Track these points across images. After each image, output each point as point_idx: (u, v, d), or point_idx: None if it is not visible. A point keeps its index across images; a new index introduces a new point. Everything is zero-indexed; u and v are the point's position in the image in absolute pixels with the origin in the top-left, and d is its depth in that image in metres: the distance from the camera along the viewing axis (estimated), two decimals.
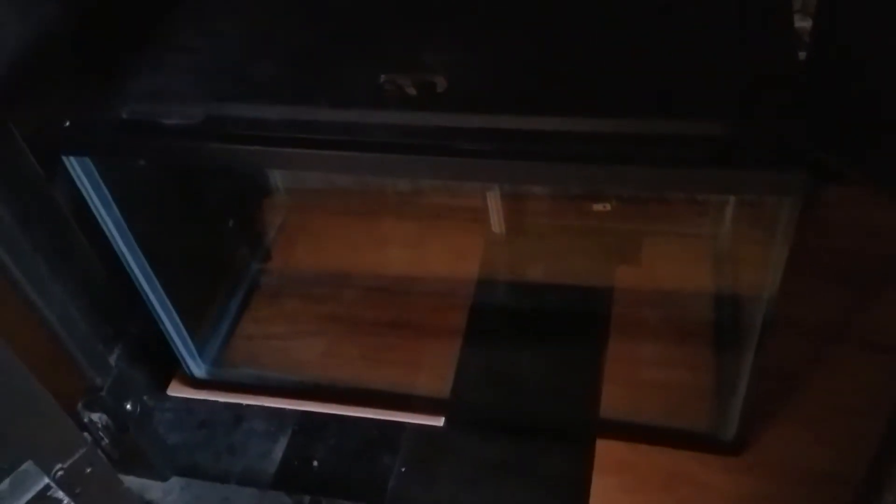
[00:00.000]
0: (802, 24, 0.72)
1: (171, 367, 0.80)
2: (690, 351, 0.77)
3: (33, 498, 0.41)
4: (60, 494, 0.42)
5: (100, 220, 0.64)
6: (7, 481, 0.40)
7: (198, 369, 0.79)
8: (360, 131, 0.55)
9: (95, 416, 0.67)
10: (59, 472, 0.42)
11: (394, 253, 0.91)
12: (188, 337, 0.76)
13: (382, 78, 0.56)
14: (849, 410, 0.70)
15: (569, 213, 0.90)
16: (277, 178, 0.93)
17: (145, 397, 0.72)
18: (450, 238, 0.90)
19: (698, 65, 0.55)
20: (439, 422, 0.75)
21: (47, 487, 0.41)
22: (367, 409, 0.76)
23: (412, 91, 0.56)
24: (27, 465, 0.41)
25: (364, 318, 0.84)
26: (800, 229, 0.53)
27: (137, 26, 0.63)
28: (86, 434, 0.67)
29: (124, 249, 0.66)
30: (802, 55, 0.59)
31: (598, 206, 0.89)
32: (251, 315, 0.85)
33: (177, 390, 0.80)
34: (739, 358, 0.64)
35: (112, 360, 0.73)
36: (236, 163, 0.68)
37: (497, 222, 0.90)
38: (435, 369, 0.79)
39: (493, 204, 0.89)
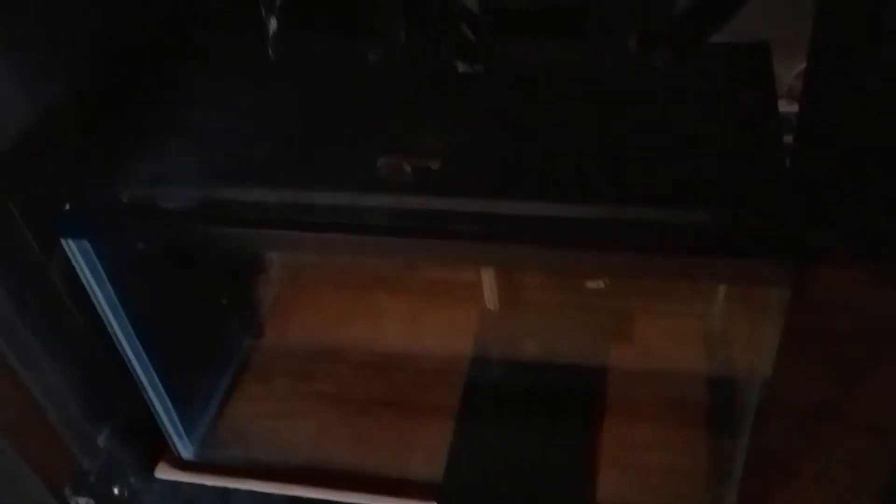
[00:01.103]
0: (789, 108, 0.74)
1: (158, 448, 0.78)
2: (686, 433, 0.76)
3: None
4: None
5: (94, 299, 0.64)
6: None
7: (185, 450, 0.78)
8: (357, 214, 0.56)
9: (83, 501, 0.65)
10: None
11: (387, 328, 0.90)
12: (177, 417, 0.75)
13: (379, 161, 0.58)
14: (844, 492, 0.69)
15: (563, 289, 0.91)
16: (272, 253, 0.94)
17: (132, 479, 0.70)
18: (444, 314, 0.90)
19: (686, 153, 0.57)
20: None
21: None
22: (357, 495, 0.74)
23: (409, 174, 0.57)
24: None
25: (356, 396, 0.83)
26: (791, 312, 0.53)
27: (142, 108, 0.65)
28: None
29: (117, 328, 0.66)
30: (789, 138, 0.61)
31: (592, 284, 0.90)
32: (241, 394, 0.84)
33: (164, 472, 0.78)
34: (734, 441, 0.64)
35: (100, 440, 0.72)
36: (234, 245, 0.68)
37: (491, 298, 0.90)
38: (427, 451, 0.77)
39: (487, 280, 0.89)
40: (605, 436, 0.76)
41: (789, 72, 0.86)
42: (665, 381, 0.81)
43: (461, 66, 0.69)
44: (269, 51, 0.69)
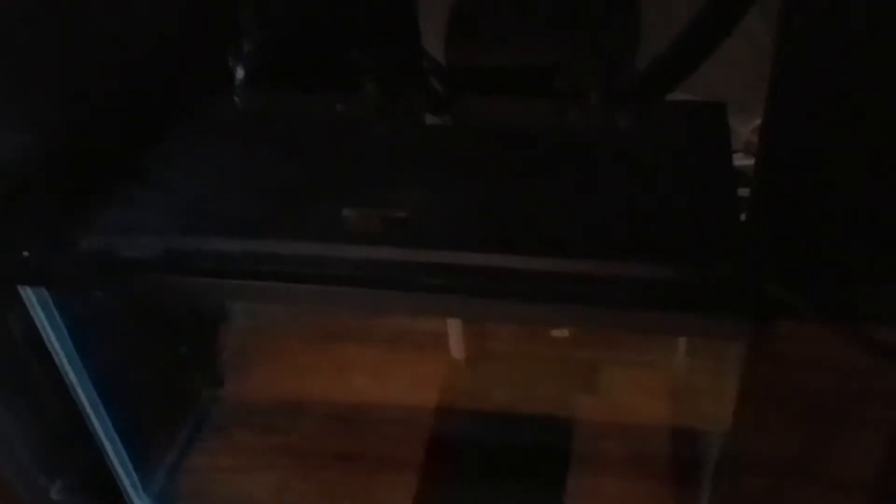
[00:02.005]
0: (745, 161, 0.77)
1: (114, 501, 0.76)
2: (651, 486, 0.76)
3: None
4: None
5: (51, 348, 0.62)
6: None
7: None
8: (322, 264, 0.55)
9: None
10: None
11: (352, 379, 0.89)
12: (133, 469, 0.73)
13: (346, 213, 0.58)
14: None
15: (529, 339, 0.91)
16: (234, 302, 0.92)
17: None
18: (409, 364, 0.89)
19: (646, 209, 0.58)
20: None
21: None
22: None
23: (376, 226, 0.57)
24: None
25: (318, 450, 0.82)
26: (749, 366, 0.54)
27: (109, 160, 0.64)
28: None
29: (73, 379, 0.65)
30: (746, 192, 0.62)
31: (556, 333, 0.90)
32: (200, 446, 0.82)
33: None
34: (698, 494, 0.64)
35: (53, 492, 0.70)
36: (195, 296, 0.67)
37: (457, 348, 0.90)
38: None
39: (454, 329, 0.89)
40: (570, 489, 0.76)
41: (746, 126, 0.88)
42: (630, 432, 0.81)
43: (430, 120, 0.70)
44: (236, 100, 0.69)
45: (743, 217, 0.59)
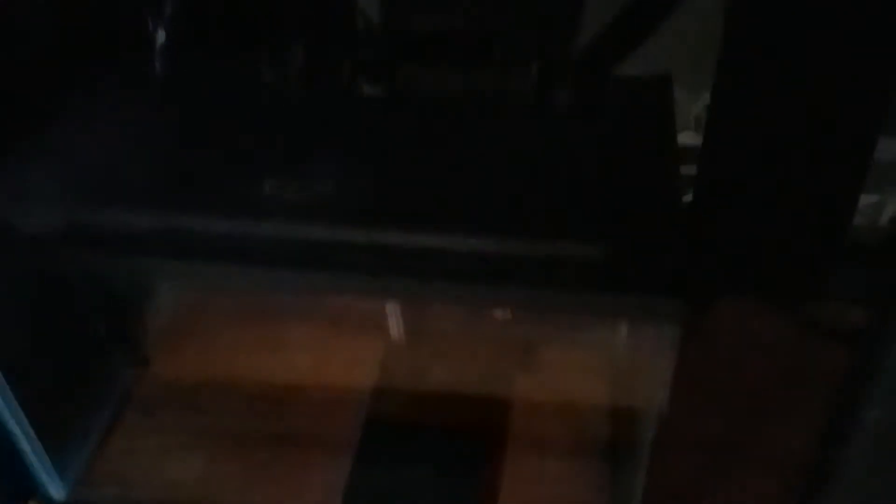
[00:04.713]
0: (696, 140, 0.75)
1: (27, 489, 0.72)
2: (589, 466, 0.75)
3: None
4: None
5: None
6: None
7: (57, 491, 0.72)
8: (240, 242, 0.53)
9: None
10: None
11: (285, 358, 0.87)
12: (46, 455, 0.69)
13: (267, 187, 0.55)
14: None
15: (470, 319, 0.89)
16: None
17: None
18: (346, 343, 0.87)
19: (584, 188, 0.57)
20: None
21: None
22: None
23: (299, 202, 0.54)
24: None
25: (248, 430, 0.79)
26: (685, 345, 0.53)
27: (6, 123, 0.59)
28: None
29: None
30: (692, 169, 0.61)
31: (497, 313, 0.88)
32: (122, 428, 0.79)
33: None
34: (632, 475, 0.63)
35: None
36: (99, 273, 0.64)
37: (396, 327, 0.88)
38: (323, 489, 0.74)
39: (392, 308, 0.87)
40: (507, 469, 0.75)
41: (696, 103, 0.87)
42: (569, 412, 0.81)
43: (362, 89, 0.67)
44: (156, 65, 0.65)
45: (689, 195, 0.58)
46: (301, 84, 0.66)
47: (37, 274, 0.68)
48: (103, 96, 0.64)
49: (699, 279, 0.52)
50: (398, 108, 0.66)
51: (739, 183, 0.56)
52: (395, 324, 0.87)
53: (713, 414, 0.77)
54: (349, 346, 0.86)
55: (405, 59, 0.69)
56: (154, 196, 0.55)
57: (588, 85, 0.66)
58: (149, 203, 0.54)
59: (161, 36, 0.67)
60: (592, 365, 0.84)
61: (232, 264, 0.53)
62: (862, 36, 0.44)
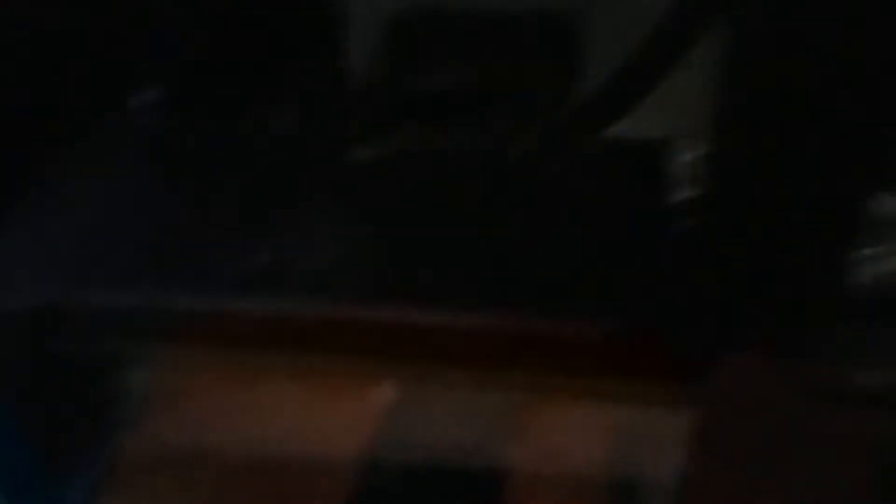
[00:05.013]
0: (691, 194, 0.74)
1: None
2: None
3: None
4: None
5: None
6: None
7: None
8: (227, 320, 0.51)
9: None
10: None
11: (273, 423, 0.84)
12: None
13: (257, 260, 0.53)
14: None
15: (465, 379, 0.88)
16: None
17: None
18: (334, 409, 0.85)
19: (586, 259, 0.56)
20: None
21: None
22: None
23: (288, 275, 0.53)
24: None
25: (231, 499, 0.77)
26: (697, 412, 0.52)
27: None
28: None
29: None
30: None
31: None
32: (101, 498, 0.76)
33: None
34: None
35: None
36: (77, 358, 0.61)
37: (390, 390, 0.86)
38: None
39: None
40: None
41: (688, 160, 0.87)
42: (571, 476, 0.79)
43: (356, 151, 0.66)
44: (139, 132, 0.63)
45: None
46: (292, 149, 0.65)
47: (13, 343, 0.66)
48: (79, 164, 0.62)
49: (702, 346, 0.51)
50: (391, 171, 0.65)
51: (739, 241, 0.56)
52: (390, 386, 0.85)
53: (728, 481, 0.75)
54: (339, 412, 0.84)
55: (397, 121, 0.68)
56: (135, 274, 0.53)
57: (581, 149, 0.66)
58: (126, 281, 0.52)
59: (148, 95, 0.66)
60: (593, 431, 0.82)
61: (216, 346, 0.51)
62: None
